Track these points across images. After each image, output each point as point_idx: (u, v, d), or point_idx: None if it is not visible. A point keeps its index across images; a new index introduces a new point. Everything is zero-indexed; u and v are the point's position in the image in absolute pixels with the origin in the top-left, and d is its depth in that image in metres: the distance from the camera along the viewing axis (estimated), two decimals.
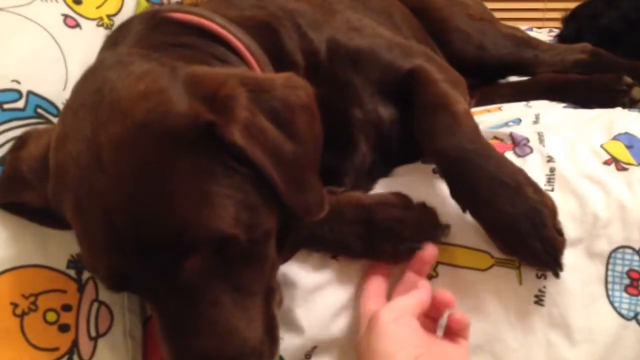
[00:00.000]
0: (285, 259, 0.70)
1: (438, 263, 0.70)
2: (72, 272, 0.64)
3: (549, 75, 1.16)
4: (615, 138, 0.78)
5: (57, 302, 0.63)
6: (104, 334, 0.65)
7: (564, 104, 1.04)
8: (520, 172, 0.66)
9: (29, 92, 0.66)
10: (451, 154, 0.66)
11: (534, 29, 1.78)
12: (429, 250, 0.67)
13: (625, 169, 0.72)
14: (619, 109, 0.93)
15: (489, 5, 1.32)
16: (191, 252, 0.51)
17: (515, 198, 0.63)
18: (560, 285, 0.68)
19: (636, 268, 0.68)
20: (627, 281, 0.69)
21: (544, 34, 1.66)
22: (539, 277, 0.68)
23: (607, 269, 0.69)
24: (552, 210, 0.65)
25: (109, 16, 0.76)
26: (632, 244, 0.69)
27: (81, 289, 0.65)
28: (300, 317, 0.68)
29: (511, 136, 0.80)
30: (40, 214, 0.61)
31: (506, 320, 0.69)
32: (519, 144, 0.78)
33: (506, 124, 0.91)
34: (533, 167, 0.74)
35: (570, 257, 0.66)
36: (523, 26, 1.86)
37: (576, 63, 1.19)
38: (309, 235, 0.69)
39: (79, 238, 0.54)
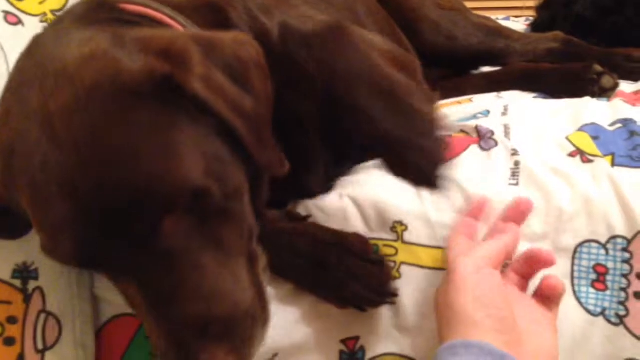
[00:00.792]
0: None
1: (401, 263, 0.68)
2: (17, 282, 0.62)
3: (521, 65, 1.15)
4: (581, 129, 0.76)
5: (1, 314, 0.61)
6: (52, 346, 0.63)
7: (534, 94, 1.02)
8: None
9: None
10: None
11: (511, 18, 1.77)
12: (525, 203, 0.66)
13: (590, 161, 0.71)
14: (587, 99, 0.92)
15: None
16: (165, 212, 0.48)
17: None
18: None
19: (602, 262, 0.67)
20: (593, 276, 0.67)
21: (521, 23, 1.65)
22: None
23: (573, 264, 0.68)
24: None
25: (53, 12, 0.74)
26: (598, 238, 0.67)
27: (27, 299, 0.62)
28: None
29: (477, 129, 0.78)
30: None
31: None
32: (484, 137, 0.76)
33: (475, 117, 0.89)
34: (498, 161, 0.72)
35: None
36: (501, 15, 1.85)
37: (548, 52, 1.18)
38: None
39: (38, 224, 0.50)
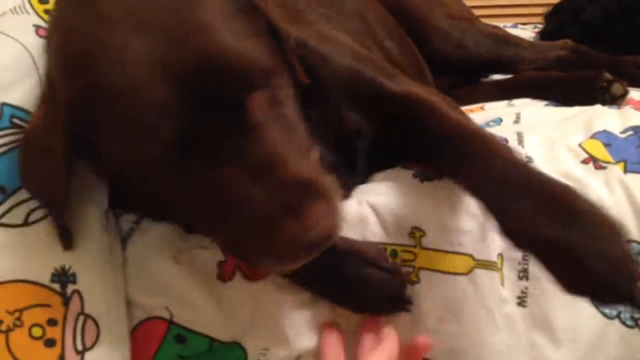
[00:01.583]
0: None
1: (419, 269, 0.70)
2: (56, 286, 0.63)
3: (530, 73, 1.16)
4: (593, 136, 0.78)
5: (42, 316, 0.62)
6: (91, 348, 0.64)
7: (545, 102, 1.04)
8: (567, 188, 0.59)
9: (3, 104, 0.66)
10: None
11: (519, 26, 1.79)
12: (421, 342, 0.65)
13: (603, 168, 0.72)
14: (598, 106, 0.93)
15: (475, 2, 1.31)
16: (249, 89, 0.51)
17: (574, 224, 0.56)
18: (542, 286, 0.68)
19: None
20: None
21: (529, 30, 1.67)
22: (520, 279, 0.68)
23: None
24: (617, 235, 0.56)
25: None
26: None
27: (66, 302, 0.64)
28: (285, 326, 0.68)
29: None
30: None
31: (489, 323, 0.69)
32: None
33: (487, 124, 0.91)
34: None
35: None
36: (508, 22, 1.87)
37: (557, 60, 1.20)
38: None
39: (122, 123, 0.50)
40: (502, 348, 0.69)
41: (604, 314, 0.68)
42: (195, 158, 0.52)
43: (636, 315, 0.67)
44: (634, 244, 0.67)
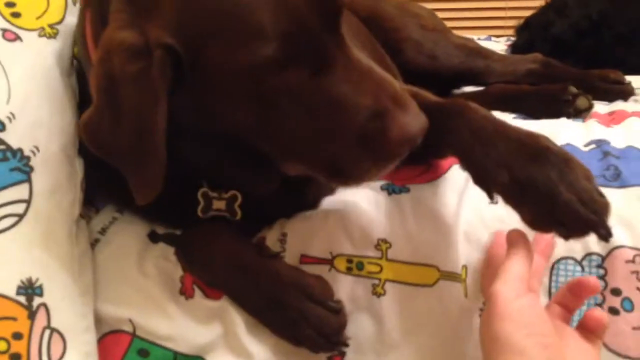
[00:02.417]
0: None
1: (385, 280, 0.70)
2: (22, 299, 0.62)
3: (500, 86, 1.18)
4: None
5: (7, 330, 0.61)
6: None
7: (514, 115, 1.05)
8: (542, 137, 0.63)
9: None
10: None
11: (493, 38, 1.82)
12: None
13: None
14: (563, 120, 0.95)
15: (449, 14, 1.34)
16: (341, 10, 0.58)
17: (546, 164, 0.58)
18: None
19: None
20: None
21: (502, 43, 1.69)
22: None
23: (550, 280, 0.70)
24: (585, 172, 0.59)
25: (51, 25, 0.74)
26: (574, 255, 0.69)
27: (32, 315, 0.63)
28: (246, 343, 0.68)
29: None
30: None
31: (456, 335, 0.69)
32: None
33: None
34: None
35: None
36: (483, 35, 1.90)
37: (528, 73, 1.22)
38: None
39: (234, 24, 0.53)
40: (468, 359, 0.69)
41: None
42: (301, 66, 0.55)
43: None
44: (594, 256, 0.68)
